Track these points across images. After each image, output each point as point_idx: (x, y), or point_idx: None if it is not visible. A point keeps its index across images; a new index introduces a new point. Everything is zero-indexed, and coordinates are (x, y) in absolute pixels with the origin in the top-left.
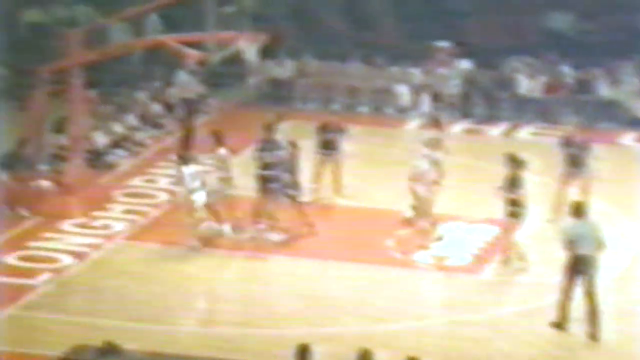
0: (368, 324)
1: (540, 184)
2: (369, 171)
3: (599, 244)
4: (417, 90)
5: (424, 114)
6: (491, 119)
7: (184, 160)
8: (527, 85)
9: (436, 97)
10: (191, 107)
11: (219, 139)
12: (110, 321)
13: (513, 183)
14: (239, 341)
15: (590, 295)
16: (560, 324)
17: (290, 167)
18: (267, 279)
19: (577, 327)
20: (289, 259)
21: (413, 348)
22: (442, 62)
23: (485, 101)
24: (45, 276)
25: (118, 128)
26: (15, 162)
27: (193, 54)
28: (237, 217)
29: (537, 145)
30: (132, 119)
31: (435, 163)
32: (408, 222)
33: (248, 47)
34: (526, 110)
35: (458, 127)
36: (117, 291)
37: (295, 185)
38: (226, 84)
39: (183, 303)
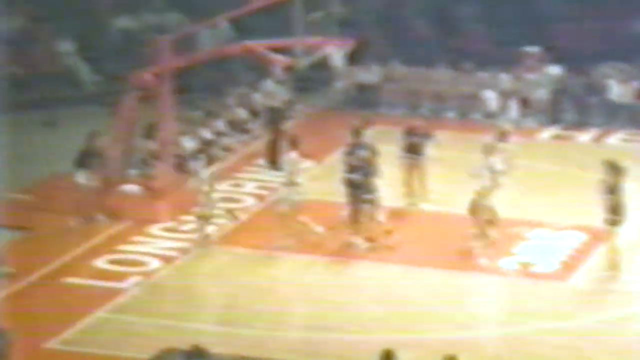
0: (453, 330)
1: (631, 190)
2: (456, 177)
3: None
4: (505, 95)
5: (512, 120)
6: (581, 125)
7: (275, 166)
8: (618, 91)
9: (524, 103)
10: (277, 115)
11: (293, 142)
12: (197, 324)
13: (612, 190)
14: (324, 346)
15: None
16: None
17: (369, 171)
18: (352, 284)
19: None
20: (374, 264)
21: (498, 356)
22: (531, 67)
23: (575, 107)
24: (134, 279)
25: (206, 133)
26: (88, 158)
27: (280, 59)
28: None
29: (628, 151)
30: (220, 125)
31: (491, 169)
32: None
33: (335, 52)
34: (617, 116)
35: (547, 133)
36: (204, 295)
37: (372, 189)
38: (313, 89)
39: (269, 307)
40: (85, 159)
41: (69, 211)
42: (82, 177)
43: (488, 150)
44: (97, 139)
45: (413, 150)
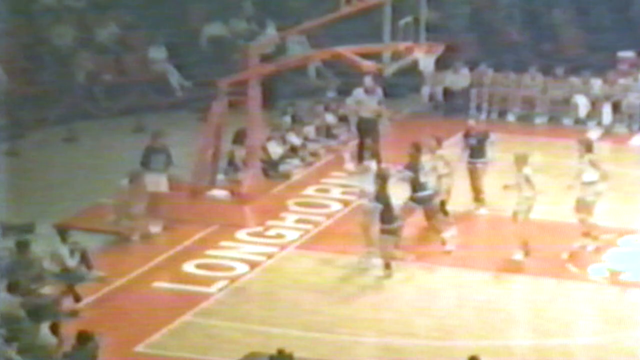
0: (539, 337)
1: None
2: (546, 183)
3: None
4: (596, 101)
5: (604, 126)
6: None
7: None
8: None
9: (616, 108)
10: (367, 126)
11: (439, 141)
12: (282, 329)
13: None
14: (408, 352)
15: None
16: None
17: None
18: (436, 289)
19: None
20: (461, 269)
21: None
22: (624, 72)
23: None
24: (221, 284)
25: (293, 139)
26: (152, 157)
27: (369, 65)
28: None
29: None
30: (309, 130)
31: (526, 178)
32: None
33: (424, 57)
34: None
35: (638, 140)
36: (289, 299)
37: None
38: (401, 95)
39: (353, 312)
40: (149, 158)
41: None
42: (149, 179)
43: (520, 160)
44: (159, 138)
45: (473, 154)
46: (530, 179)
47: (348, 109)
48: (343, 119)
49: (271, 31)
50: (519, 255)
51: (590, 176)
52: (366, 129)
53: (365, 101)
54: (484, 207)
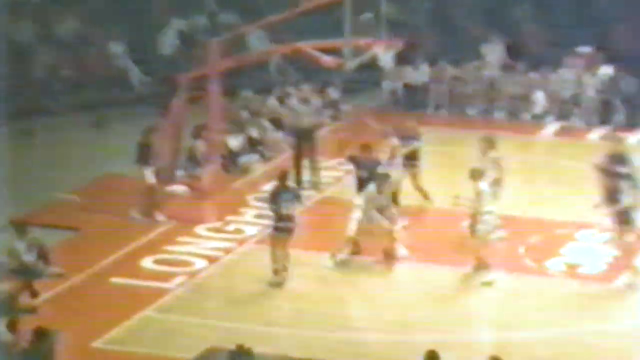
0: (498, 331)
1: None
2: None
3: None
4: (555, 96)
5: (560, 120)
6: (631, 125)
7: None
8: None
9: (575, 104)
10: (303, 136)
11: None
12: (242, 324)
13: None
14: (367, 347)
15: None
16: None
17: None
18: (395, 284)
19: None
20: (421, 265)
21: (543, 358)
22: (583, 67)
23: (626, 107)
24: (179, 279)
25: (253, 132)
26: (147, 152)
27: (329, 60)
28: None
29: None
30: (267, 124)
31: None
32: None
33: (384, 53)
34: None
35: (596, 134)
36: (249, 295)
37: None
38: (361, 90)
39: (313, 307)
40: (146, 154)
41: (119, 211)
42: (148, 173)
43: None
44: (152, 134)
45: (409, 155)
46: (484, 194)
47: (287, 119)
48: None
49: (231, 26)
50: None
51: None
52: (303, 140)
53: (300, 111)
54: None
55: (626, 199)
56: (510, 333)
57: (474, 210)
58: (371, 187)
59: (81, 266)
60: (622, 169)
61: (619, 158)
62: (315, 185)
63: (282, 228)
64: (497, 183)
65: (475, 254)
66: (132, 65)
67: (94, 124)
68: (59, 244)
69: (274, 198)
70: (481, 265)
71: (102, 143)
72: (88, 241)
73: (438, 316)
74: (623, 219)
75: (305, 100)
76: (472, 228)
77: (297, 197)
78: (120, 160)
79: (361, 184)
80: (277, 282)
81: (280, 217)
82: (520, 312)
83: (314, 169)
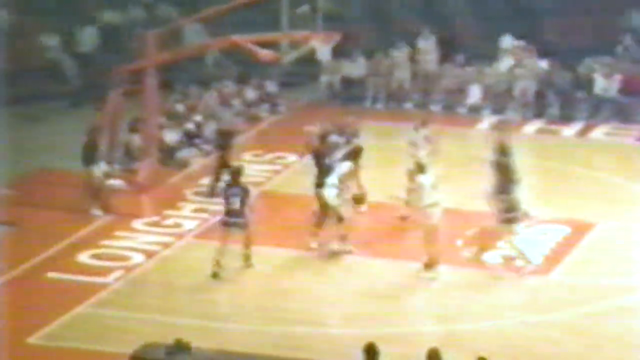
0: (437, 324)
1: (614, 184)
2: (440, 171)
3: None
4: (489, 89)
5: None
6: (566, 118)
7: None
8: (603, 85)
9: (509, 97)
10: (223, 139)
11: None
12: (180, 319)
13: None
14: (307, 340)
15: None
16: None
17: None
18: (336, 278)
19: None
20: (360, 258)
21: (483, 349)
22: (517, 61)
23: (560, 101)
24: (117, 274)
25: (190, 126)
26: (93, 153)
27: (266, 53)
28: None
29: (612, 145)
30: (199, 118)
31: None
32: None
33: (321, 46)
34: (601, 110)
35: (531, 127)
36: (186, 289)
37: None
38: (298, 84)
39: (251, 301)
40: (92, 155)
41: (55, 206)
42: (97, 172)
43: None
44: (97, 134)
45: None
46: (424, 188)
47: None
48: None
49: (168, 19)
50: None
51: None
52: (222, 143)
53: (220, 112)
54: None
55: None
56: (448, 325)
57: (415, 205)
58: (345, 165)
59: (17, 261)
60: (504, 160)
61: (504, 149)
62: (209, 191)
63: (231, 223)
64: (431, 155)
65: (427, 249)
66: (67, 57)
67: (28, 118)
68: None
69: (224, 193)
70: (431, 261)
71: (37, 137)
72: (24, 236)
73: (378, 310)
74: (508, 209)
75: (225, 102)
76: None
77: (246, 193)
78: (55, 154)
79: (324, 175)
80: (216, 273)
81: (229, 212)
82: (458, 304)
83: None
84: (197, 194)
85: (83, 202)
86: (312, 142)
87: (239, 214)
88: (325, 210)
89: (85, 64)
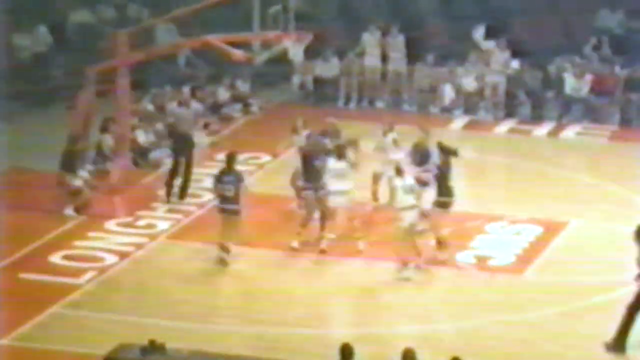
0: (412, 324)
1: (585, 184)
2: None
3: None
4: (460, 89)
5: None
6: (536, 118)
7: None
8: (574, 84)
9: (480, 97)
10: (182, 144)
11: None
12: (154, 320)
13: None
14: (282, 340)
15: None
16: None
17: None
18: (311, 278)
19: None
20: (334, 259)
21: (456, 348)
22: (487, 61)
23: (531, 100)
24: (90, 275)
25: (161, 127)
26: (73, 160)
27: (239, 53)
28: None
29: (583, 144)
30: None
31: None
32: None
33: (293, 46)
34: (572, 109)
35: (503, 127)
36: (160, 290)
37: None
38: (271, 84)
39: (226, 302)
40: (73, 162)
41: (26, 206)
42: (76, 180)
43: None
44: (78, 141)
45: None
46: (399, 190)
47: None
48: (215, 108)
49: (140, 18)
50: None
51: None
52: (181, 147)
53: (181, 115)
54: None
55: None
56: (421, 326)
57: (390, 207)
58: (331, 161)
59: None
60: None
61: (423, 151)
62: (182, 195)
63: (226, 210)
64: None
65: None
66: (38, 57)
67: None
68: None
69: (218, 180)
70: (404, 262)
71: (9, 136)
72: None
73: (351, 310)
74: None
75: (184, 104)
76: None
77: (240, 180)
78: (27, 154)
79: (312, 174)
80: (221, 258)
81: (224, 199)
82: (429, 304)
83: (186, 179)
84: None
85: (55, 203)
86: (295, 140)
87: (234, 201)
88: (326, 214)
89: (58, 64)
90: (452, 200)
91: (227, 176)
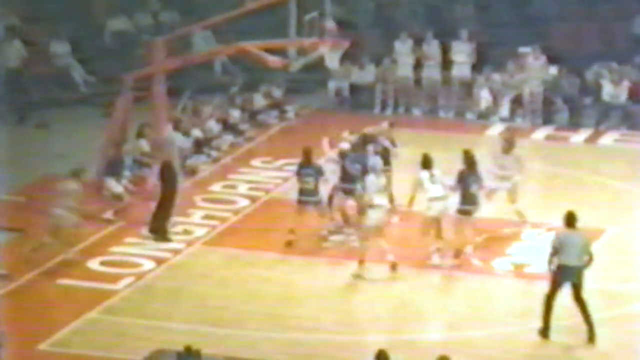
0: (447, 331)
1: (623, 190)
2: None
3: (587, 255)
4: (498, 95)
5: (504, 119)
6: (574, 125)
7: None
8: (611, 91)
9: (518, 103)
10: (171, 172)
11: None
12: (189, 325)
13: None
14: (316, 347)
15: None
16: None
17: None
18: (345, 284)
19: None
20: (369, 264)
21: (492, 356)
22: (525, 67)
23: (568, 107)
24: (127, 280)
25: (198, 133)
26: (118, 167)
27: (275, 60)
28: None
29: (620, 151)
30: (212, 125)
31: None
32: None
33: (329, 53)
34: (609, 116)
35: (540, 134)
36: (196, 296)
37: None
38: (307, 90)
39: (261, 308)
40: (116, 167)
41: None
42: (114, 185)
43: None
44: (122, 147)
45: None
46: (427, 182)
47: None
48: (251, 115)
49: (176, 26)
50: (436, 258)
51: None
52: (170, 177)
53: (171, 140)
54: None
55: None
56: (457, 332)
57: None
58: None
59: (27, 267)
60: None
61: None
62: (161, 230)
63: (306, 202)
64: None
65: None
66: (76, 64)
67: (37, 124)
68: (4, 245)
69: (299, 173)
70: (361, 259)
71: (46, 143)
72: (33, 242)
73: (386, 317)
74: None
75: (182, 129)
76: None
77: (319, 172)
78: (63, 161)
79: (349, 179)
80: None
81: (303, 191)
82: (466, 311)
83: (162, 212)
84: (206, 200)
85: (93, 209)
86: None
87: (313, 193)
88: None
89: (95, 71)
90: (473, 209)
91: (307, 169)
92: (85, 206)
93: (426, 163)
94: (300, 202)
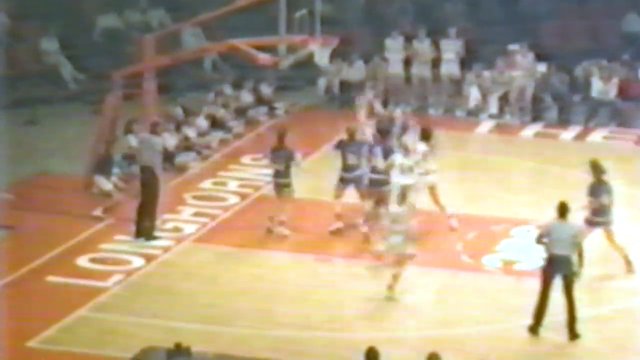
0: (437, 328)
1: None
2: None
3: (577, 246)
4: (487, 93)
5: (493, 117)
6: (563, 122)
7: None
8: (601, 88)
9: (506, 100)
10: (149, 177)
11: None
12: (179, 323)
13: (594, 191)
14: (306, 344)
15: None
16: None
17: None
18: (334, 281)
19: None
20: (356, 261)
21: (481, 353)
22: (514, 65)
23: (557, 104)
24: (116, 278)
25: (188, 131)
26: (108, 165)
27: (265, 57)
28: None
29: (609, 148)
30: (201, 122)
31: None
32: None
33: (319, 50)
34: (599, 113)
35: (529, 131)
36: (186, 293)
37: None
38: (296, 88)
39: (251, 305)
40: (107, 164)
41: (54, 210)
42: (104, 183)
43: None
44: (113, 146)
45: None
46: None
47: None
48: (240, 112)
49: (166, 23)
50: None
51: None
52: (149, 182)
53: (147, 143)
54: None
55: None
56: (446, 330)
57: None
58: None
59: (16, 265)
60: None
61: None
62: (147, 233)
63: (348, 179)
64: None
65: None
66: (66, 61)
67: (27, 122)
68: None
69: (342, 149)
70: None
71: (36, 141)
72: (23, 239)
73: (376, 313)
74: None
75: (156, 131)
76: None
77: (361, 148)
78: (54, 158)
79: (349, 168)
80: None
81: (346, 168)
82: (455, 308)
83: (148, 215)
84: (196, 197)
85: (83, 206)
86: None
87: (356, 168)
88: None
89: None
90: (604, 220)
91: (351, 146)
92: (75, 203)
93: (425, 136)
94: (342, 179)
